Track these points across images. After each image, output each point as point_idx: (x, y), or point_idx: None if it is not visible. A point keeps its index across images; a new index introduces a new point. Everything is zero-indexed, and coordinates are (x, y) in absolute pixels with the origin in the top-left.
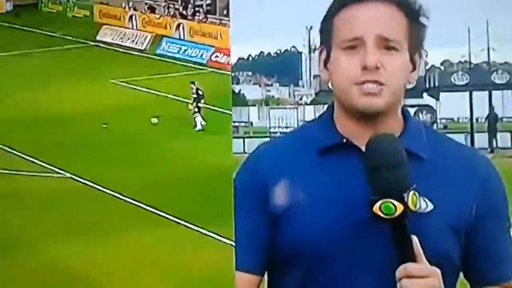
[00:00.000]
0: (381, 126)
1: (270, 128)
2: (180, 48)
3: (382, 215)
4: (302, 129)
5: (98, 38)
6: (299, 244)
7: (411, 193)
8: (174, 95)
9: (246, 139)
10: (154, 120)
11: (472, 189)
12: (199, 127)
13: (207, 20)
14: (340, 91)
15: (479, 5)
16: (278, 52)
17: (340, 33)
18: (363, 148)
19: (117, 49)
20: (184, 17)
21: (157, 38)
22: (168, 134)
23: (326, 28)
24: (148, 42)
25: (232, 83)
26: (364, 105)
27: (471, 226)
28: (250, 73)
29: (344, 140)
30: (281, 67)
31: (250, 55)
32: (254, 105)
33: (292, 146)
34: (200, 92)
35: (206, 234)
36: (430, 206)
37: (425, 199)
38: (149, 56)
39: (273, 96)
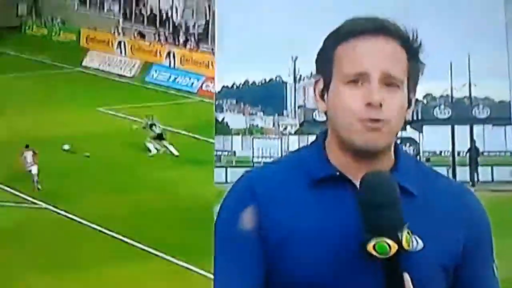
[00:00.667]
0: (375, 161)
1: (253, 157)
2: (170, 76)
3: (376, 254)
4: (293, 159)
5: (84, 63)
6: (292, 279)
7: (405, 232)
8: (162, 124)
9: (228, 169)
10: (66, 147)
11: (461, 226)
12: (176, 153)
13: (198, 48)
14: (341, 126)
15: (461, 40)
16: (263, 81)
17: (343, 66)
18: (356, 182)
19: (104, 75)
20: (175, 44)
21: (146, 65)
22: (152, 164)
23: (325, 58)
24: (137, 69)
25: (216, 111)
26: (366, 143)
27: (459, 263)
28: (234, 102)
29: (338, 173)
30: (266, 96)
31: (234, 83)
32: (238, 134)
33: (283, 175)
34: (154, 127)
35: (185, 267)
36: (421, 244)
37: (416, 237)
38: (137, 83)
39: (257, 125)
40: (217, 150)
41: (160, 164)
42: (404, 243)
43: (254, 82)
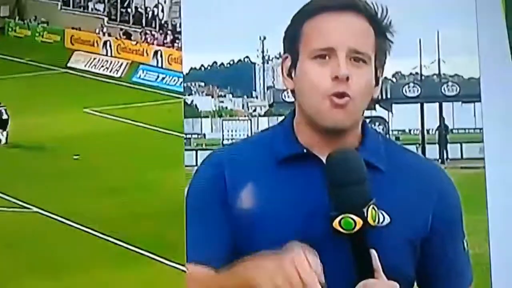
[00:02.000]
0: (343, 138)
1: (223, 140)
2: (158, 76)
3: (342, 230)
4: (262, 137)
5: (69, 64)
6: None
7: (371, 208)
8: (150, 125)
9: (198, 152)
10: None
11: (429, 201)
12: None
13: None
14: (308, 103)
15: (430, 17)
16: (232, 62)
17: (311, 41)
18: (324, 158)
19: (90, 76)
20: (162, 44)
21: (133, 65)
22: (142, 165)
23: (293, 35)
24: (124, 70)
25: (184, 94)
26: (332, 121)
27: (426, 238)
28: (202, 84)
29: (305, 151)
30: (234, 77)
31: (202, 65)
32: (207, 117)
33: (251, 155)
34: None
35: (182, 270)
36: (387, 220)
37: (383, 212)
38: (124, 84)
39: (226, 108)
40: (186, 133)
41: (151, 165)
42: (369, 219)
43: (222, 64)
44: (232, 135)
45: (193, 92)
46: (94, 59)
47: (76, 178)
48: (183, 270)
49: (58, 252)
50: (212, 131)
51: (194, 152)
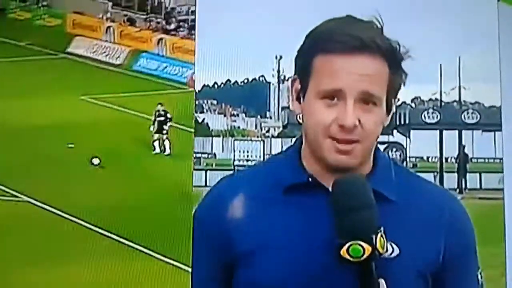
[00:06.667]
0: (351, 171)
1: (234, 160)
2: (160, 65)
3: (350, 258)
4: (268, 164)
5: (69, 50)
6: None
7: (379, 235)
8: (149, 115)
9: (208, 172)
10: (96, 161)
11: (440, 231)
12: (167, 151)
13: (190, 36)
14: (312, 140)
15: (451, 43)
16: (246, 81)
17: (320, 80)
18: (330, 188)
19: (90, 62)
20: (166, 31)
21: (135, 53)
22: (139, 155)
23: (304, 64)
24: (125, 57)
25: (196, 112)
26: (336, 163)
27: (439, 270)
28: (215, 102)
29: (310, 179)
30: (248, 97)
31: (216, 83)
32: (218, 136)
33: (257, 184)
34: (168, 115)
35: (171, 264)
36: (396, 251)
37: (392, 243)
38: (125, 72)
39: (238, 127)
40: (196, 152)
41: (148, 156)
42: (378, 246)
43: (236, 82)
44: (244, 156)
45: (204, 110)
46: (96, 45)
47: (69, 167)
48: (177, 266)
49: (49, 242)
50: (223, 151)
51: (204, 172)
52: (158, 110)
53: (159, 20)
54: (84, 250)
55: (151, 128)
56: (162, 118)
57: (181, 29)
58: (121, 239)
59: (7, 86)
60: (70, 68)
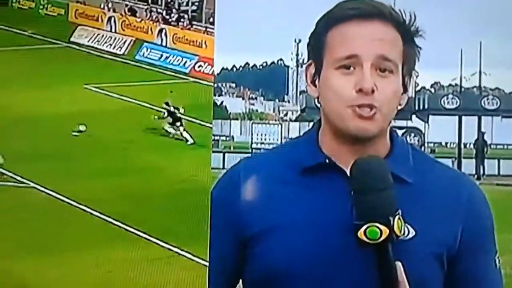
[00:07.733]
0: (368, 148)
1: (252, 143)
2: (162, 55)
3: (366, 240)
4: (286, 146)
5: (72, 39)
6: (276, 268)
7: (397, 217)
8: (152, 105)
9: (226, 154)
10: (82, 128)
11: (458, 214)
12: (190, 140)
13: (192, 27)
14: (332, 112)
15: (473, 28)
16: (264, 64)
17: (335, 50)
18: (347, 170)
19: (93, 52)
20: (167, 22)
21: (137, 43)
22: (143, 145)
23: (317, 43)
24: (127, 47)
25: (214, 94)
26: (357, 129)
27: (456, 252)
28: (233, 85)
29: (327, 161)
30: (266, 80)
31: (234, 66)
32: (237, 119)
33: (274, 164)
34: (177, 109)
35: (177, 252)
36: (412, 233)
37: (408, 226)
38: (127, 61)
39: (256, 110)
40: (214, 135)
41: (153, 146)
42: (395, 228)
43: (255, 65)
44: (261, 139)
45: (223, 93)
46: (98, 34)
47: (75, 155)
48: (181, 254)
49: (54, 229)
50: (241, 134)
51: (222, 154)
52: (168, 103)
53: (160, 10)
54: (86, 237)
55: (156, 118)
56: (176, 112)
57: (182, 20)
58: (130, 228)
59: (11, 74)
60: (73, 57)
